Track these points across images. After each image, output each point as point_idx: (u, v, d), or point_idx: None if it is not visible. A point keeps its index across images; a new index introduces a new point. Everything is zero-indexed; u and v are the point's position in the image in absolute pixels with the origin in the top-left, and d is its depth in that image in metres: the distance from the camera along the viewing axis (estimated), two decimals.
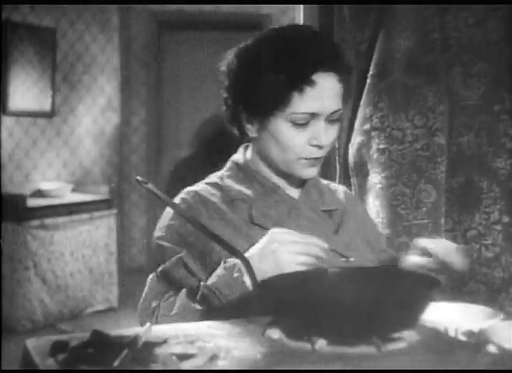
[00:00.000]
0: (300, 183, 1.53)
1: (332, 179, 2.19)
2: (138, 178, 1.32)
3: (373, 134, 2.07)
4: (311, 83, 1.37)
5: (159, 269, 1.45)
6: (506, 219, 2.00)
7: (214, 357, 1.01)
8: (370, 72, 2.07)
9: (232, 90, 1.47)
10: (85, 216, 4.74)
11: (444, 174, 2.03)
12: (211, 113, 5.34)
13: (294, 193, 1.52)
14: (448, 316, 1.20)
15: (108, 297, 4.86)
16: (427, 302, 1.12)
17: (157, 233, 1.48)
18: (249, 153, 1.54)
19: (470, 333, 1.11)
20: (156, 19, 5.82)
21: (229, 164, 1.56)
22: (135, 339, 1.02)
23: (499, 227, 2.00)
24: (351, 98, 1.53)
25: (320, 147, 1.42)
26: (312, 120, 1.41)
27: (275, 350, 1.06)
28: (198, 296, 1.35)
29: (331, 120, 1.43)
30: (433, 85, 2.03)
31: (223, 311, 1.34)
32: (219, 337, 1.11)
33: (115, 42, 5.75)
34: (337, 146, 2.17)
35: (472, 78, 2.03)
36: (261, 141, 1.47)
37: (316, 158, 1.45)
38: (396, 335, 1.08)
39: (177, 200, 1.50)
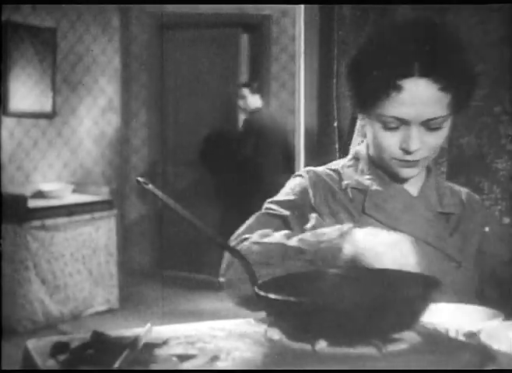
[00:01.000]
0: (419, 180, 1.52)
1: None
2: (139, 179, 1.32)
3: None
4: (397, 89, 1.35)
5: (262, 211, 1.47)
6: (506, 220, 2.00)
7: (214, 358, 1.01)
8: None
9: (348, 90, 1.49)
10: (85, 217, 4.74)
11: (445, 175, 2.03)
12: (211, 113, 5.34)
13: (413, 189, 1.51)
14: (449, 317, 1.20)
15: (108, 298, 4.86)
16: (427, 303, 1.12)
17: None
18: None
19: (471, 334, 1.11)
20: (156, 19, 5.82)
21: (351, 154, 1.57)
22: (135, 340, 1.02)
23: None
24: (468, 104, 1.45)
25: (409, 152, 1.40)
26: (403, 124, 1.39)
27: (276, 350, 1.06)
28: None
29: (429, 127, 1.39)
30: None
31: None
32: (219, 338, 1.10)
33: (116, 43, 5.75)
34: (337, 147, 2.17)
35: None
36: (369, 138, 1.49)
37: (410, 161, 1.43)
38: (396, 336, 1.08)
39: (293, 175, 1.52)
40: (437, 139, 1.42)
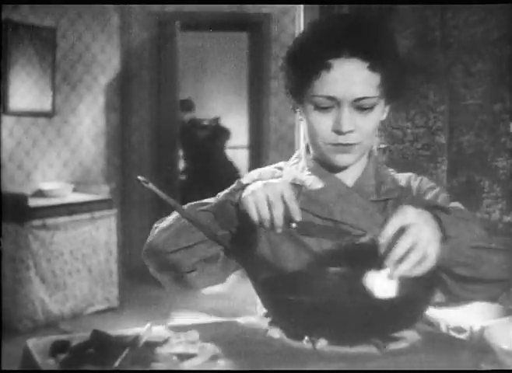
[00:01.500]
0: (358, 170, 1.52)
1: None
2: (139, 178, 1.32)
3: None
4: (327, 67, 1.38)
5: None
6: (507, 218, 1.99)
7: (214, 357, 1.01)
8: None
9: (283, 80, 1.51)
10: (85, 216, 4.74)
11: (445, 173, 2.03)
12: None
13: (349, 180, 1.51)
14: (454, 314, 1.20)
15: (108, 297, 4.86)
16: (428, 301, 1.12)
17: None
18: None
19: (460, 330, 1.11)
20: (156, 18, 5.82)
21: (295, 154, 1.58)
22: (135, 339, 1.02)
23: (500, 226, 2.00)
24: (399, 91, 1.46)
25: (341, 133, 1.41)
26: (335, 105, 1.40)
27: (276, 349, 1.06)
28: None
29: (360, 107, 1.41)
30: (433, 84, 2.03)
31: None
32: (219, 337, 1.10)
33: (115, 42, 5.75)
34: None
35: (473, 77, 2.03)
36: (304, 127, 1.50)
37: (343, 145, 1.43)
38: (397, 335, 1.08)
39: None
40: (370, 123, 1.43)
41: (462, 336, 1.12)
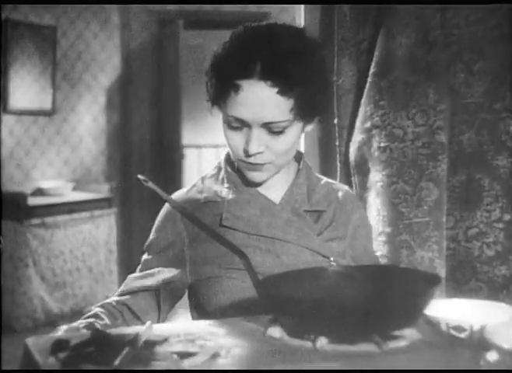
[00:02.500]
0: (287, 181, 1.51)
1: (333, 177, 2.19)
2: (139, 176, 1.33)
3: (374, 132, 2.07)
4: (235, 88, 1.34)
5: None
6: (507, 217, 1.99)
7: (215, 356, 1.01)
8: (371, 70, 2.07)
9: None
10: (85, 214, 4.74)
11: (445, 172, 2.03)
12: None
13: (277, 193, 1.49)
14: (462, 313, 1.20)
15: (108, 295, 4.84)
16: (428, 300, 1.12)
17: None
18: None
19: (460, 329, 1.11)
20: (156, 17, 5.82)
21: (216, 164, 1.55)
22: (135, 337, 1.02)
23: (500, 225, 2.00)
24: (315, 112, 1.43)
25: (247, 154, 1.38)
26: (245, 126, 1.37)
27: (277, 348, 1.06)
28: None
29: (270, 130, 1.37)
30: (433, 82, 2.03)
31: (225, 311, 1.35)
32: (219, 336, 1.10)
33: (115, 40, 5.75)
34: (337, 144, 2.17)
35: (473, 75, 2.03)
36: None
37: (253, 164, 1.40)
38: (397, 333, 1.08)
39: (166, 204, 1.51)
40: (282, 144, 1.38)
41: (462, 335, 1.11)
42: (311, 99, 1.37)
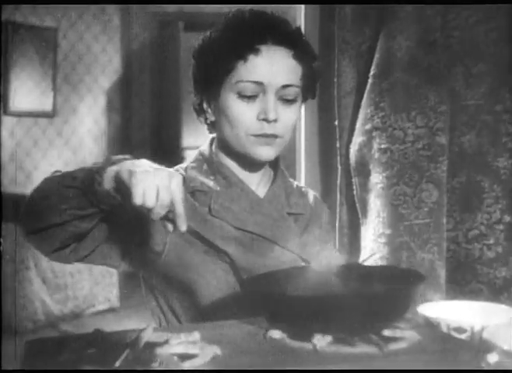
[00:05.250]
0: (267, 181, 1.52)
1: (333, 179, 2.19)
2: None
3: (374, 133, 2.07)
4: (255, 51, 1.39)
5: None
6: (507, 219, 1.99)
7: (215, 358, 1.01)
8: (371, 72, 2.07)
9: (193, 77, 1.49)
10: None
11: (446, 174, 2.03)
12: None
13: (260, 191, 1.50)
14: (462, 314, 1.20)
15: (109, 297, 4.86)
16: (413, 297, 1.12)
17: None
18: (215, 144, 1.52)
19: (461, 330, 1.11)
20: (156, 19, 5.82)
21: (195, 155, 1.53)
22: (136, 339, 1.02)
23: (500, 226, 2.00)
24: (316, 82, 1.50)
25: (268, 121, 1.40)
26: (260, 92, 1.40)
27: (277, 350, 1.06)
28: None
29: (284, 98, 1.42)
30: (434, 84, 2.03)
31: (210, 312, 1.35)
32: (220, 337, 1.10)
33: (116, 42, 5.75)
34: (338, 146, 2.17)
35: (474, 77, 2.03)
36: (218, 124, 1.46)
37: (267, 136, 1.41)
38: (397, 335, 1.08)
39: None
40: (291, 115, 1.43)
41: (463, 337, 1.11)
42: (315, 73, 1.47)
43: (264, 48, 1.39)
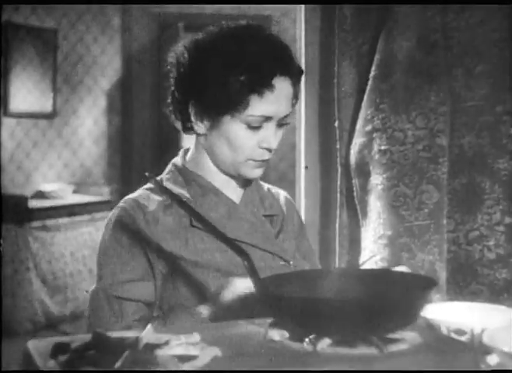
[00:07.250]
0: (241, 186, 1.52)
1: (333, 180, 2.19)
2: (147, 174, 1.33)
3: (374, 135, 2.07)
4: (271, 87, 1.38)
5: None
6: (508, 220, 1.99)
7: (215, 359, 1.01)
8: (372, 73, 2.07)
9: (182, 84, 1.46)
10: (86, 217, 4.74)
11: (446, 175, 2.03)
12: None
13: (235, 196, 1.51)
14: (462, 316, 1.20)
15: None
16: (423, 302, 1.12)
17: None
18: (189, 155, 1.52)
19: (461, 332, 1.11)
20: (157, 20, 5.82)
21: (169, 167, 1.54)
22: (136, 340, 1.02)
23: (501, 228, 2.00)
24: (297, 102, 1.51)
25: (269, 150, 1.43)
26: (265, 123, 1.40)
27: (277, 351, 1.06)
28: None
29: (281, 123, 1.43)
30: (434, 86, 2.03)
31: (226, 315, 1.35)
32: (220, 339, 1.10)
33: (116, 43, 5.75)
34: (338, 147, 2.17)
35: (474, 78, 2.03)
36: (211, 139, 1.45)
37: (264, 160, 1.45)
38: (398, 336, 1.08)
39: (116, 209, 1.51)
40: (280, 138, 1.46)
41: (463, 339, 1.11)
42: (298, 93, 1.47)
43: (275, 82, 1.39)
